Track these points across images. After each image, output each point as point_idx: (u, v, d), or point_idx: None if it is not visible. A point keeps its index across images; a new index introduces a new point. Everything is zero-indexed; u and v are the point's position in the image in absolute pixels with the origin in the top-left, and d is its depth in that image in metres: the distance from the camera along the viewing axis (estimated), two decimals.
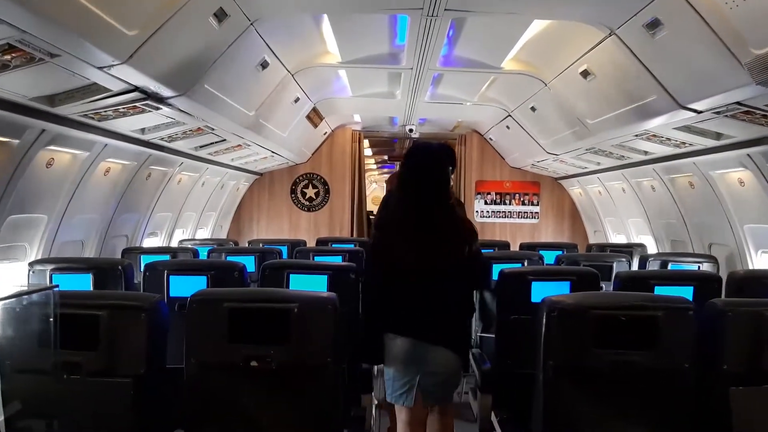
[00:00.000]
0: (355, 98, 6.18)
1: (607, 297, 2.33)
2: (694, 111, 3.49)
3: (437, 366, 2.62)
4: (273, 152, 6.56)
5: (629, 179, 6.11)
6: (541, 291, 3.43)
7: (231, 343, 2.22)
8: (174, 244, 6.15)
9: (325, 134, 8.24)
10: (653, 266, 4.82)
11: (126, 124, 3.82)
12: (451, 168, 2.87)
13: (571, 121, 5.02)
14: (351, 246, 5.80)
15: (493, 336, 4.00)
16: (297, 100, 5.51)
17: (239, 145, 5.58)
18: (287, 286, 3.43)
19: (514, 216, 8.64)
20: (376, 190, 20.30)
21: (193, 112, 3.80)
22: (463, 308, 2.74)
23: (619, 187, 6.55)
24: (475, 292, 3.84)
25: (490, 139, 8.43)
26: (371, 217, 9.26)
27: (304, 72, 4.91)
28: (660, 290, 3.32)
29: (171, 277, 3.58)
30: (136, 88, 3.15)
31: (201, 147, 5.20)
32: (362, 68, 4.91)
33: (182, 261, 3.94)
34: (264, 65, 4.11)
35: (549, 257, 5.14)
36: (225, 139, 5.15)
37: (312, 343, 2.24)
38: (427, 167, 2.65)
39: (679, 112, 3.57)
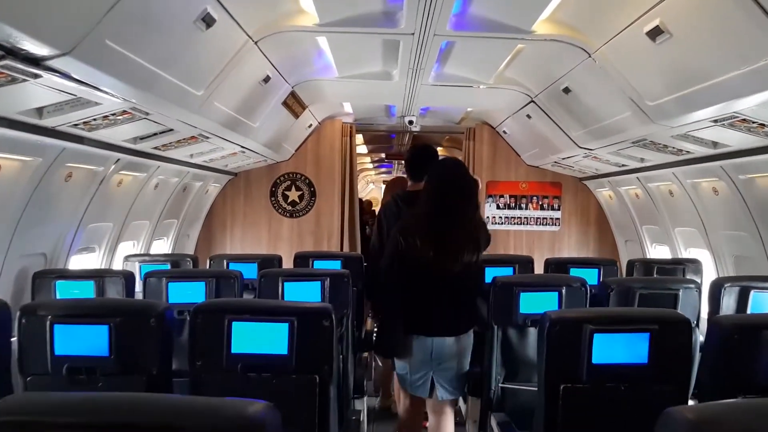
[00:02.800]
0: (343, 80, 4.98)
1: None
2: None
3: (450, 361, 3.06)
4: (243, 147, 5.38)
5: (682, 179, 4.92)
6: (606, 346, 2.40)
7: None
8: (118, 260, 4.97)
9: (309, 127, 7.03)
10: (730, 295, 3.70)
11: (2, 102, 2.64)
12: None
13: (622, 103, 3.83)
14: (338, 265, 4.67)
15: (519, 387, 3.49)
16: (267, 79, 4.32)
17: (194, 137, 4.39)
18: (229, 342, 2.36)
19: (532, 222, 7.42)
20: (373, 191, 19.15)
21: (95, 82, 2.61)
22: (473, 306, 3.20)
23: (666, 189, 5.36)
24: (497, 328, 3.63)
25: (504, 132, 7.23)
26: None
27: (273, 40, 3.72)
28: None
29: (56, 326, 2.41)
30: None
31: (140, 139, 4.02)
32: (348, 34, 3.71)
33: (75, 303, 2.73)
34: (208, 21, 2.92)
35: (587, 277, 4.04)
36: (171, 129, 3.98)
37: None
38: (454, 177, 3.09)
39: None
